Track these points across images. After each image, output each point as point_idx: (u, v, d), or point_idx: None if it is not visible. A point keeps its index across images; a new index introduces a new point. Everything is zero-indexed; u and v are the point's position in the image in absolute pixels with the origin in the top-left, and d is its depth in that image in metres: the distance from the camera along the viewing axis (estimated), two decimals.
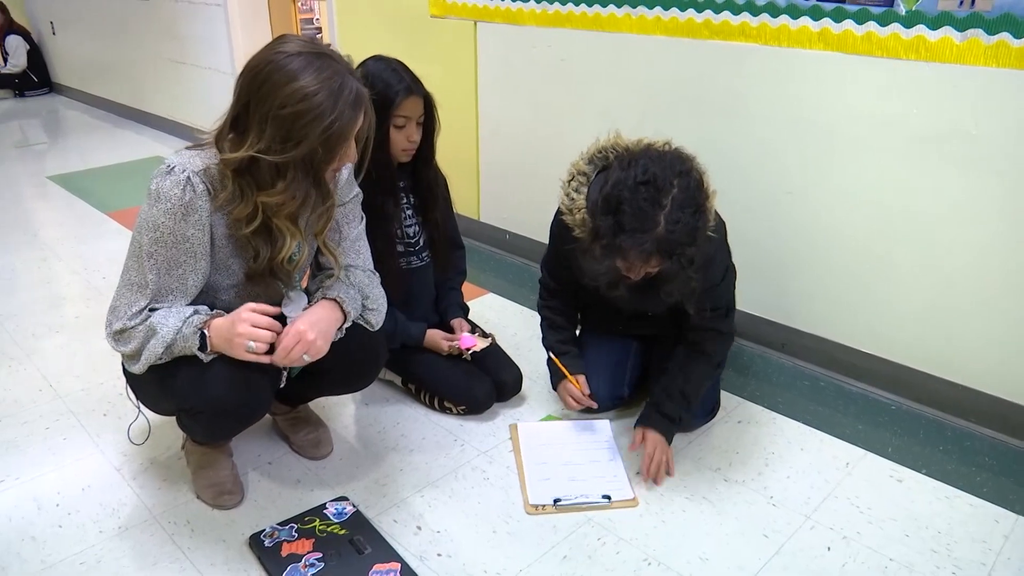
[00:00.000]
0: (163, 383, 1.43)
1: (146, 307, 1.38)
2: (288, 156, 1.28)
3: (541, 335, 1.99)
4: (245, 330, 1.34)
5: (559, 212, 1.73)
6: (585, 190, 1.61)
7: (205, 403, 1.43)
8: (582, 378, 1.89)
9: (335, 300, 1.49)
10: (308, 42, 1.32)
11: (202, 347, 1.36)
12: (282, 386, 1.53)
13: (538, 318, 2.00)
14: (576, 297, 1.95)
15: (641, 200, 1.44)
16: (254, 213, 1.37)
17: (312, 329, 1.40)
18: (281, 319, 1.46)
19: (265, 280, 1.48)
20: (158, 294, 1.38)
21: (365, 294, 1.57)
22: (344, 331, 1.51)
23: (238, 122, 1.31)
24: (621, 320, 1.94)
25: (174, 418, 1.61)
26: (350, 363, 1.60)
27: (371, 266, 1.64)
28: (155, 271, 1.36)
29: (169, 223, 1.34)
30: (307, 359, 1.39)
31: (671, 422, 1.76)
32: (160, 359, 1.37)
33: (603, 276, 1.56)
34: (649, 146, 1.58)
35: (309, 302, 1.51)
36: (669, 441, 1.76)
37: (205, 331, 1.36)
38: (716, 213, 1.65)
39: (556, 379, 1.94)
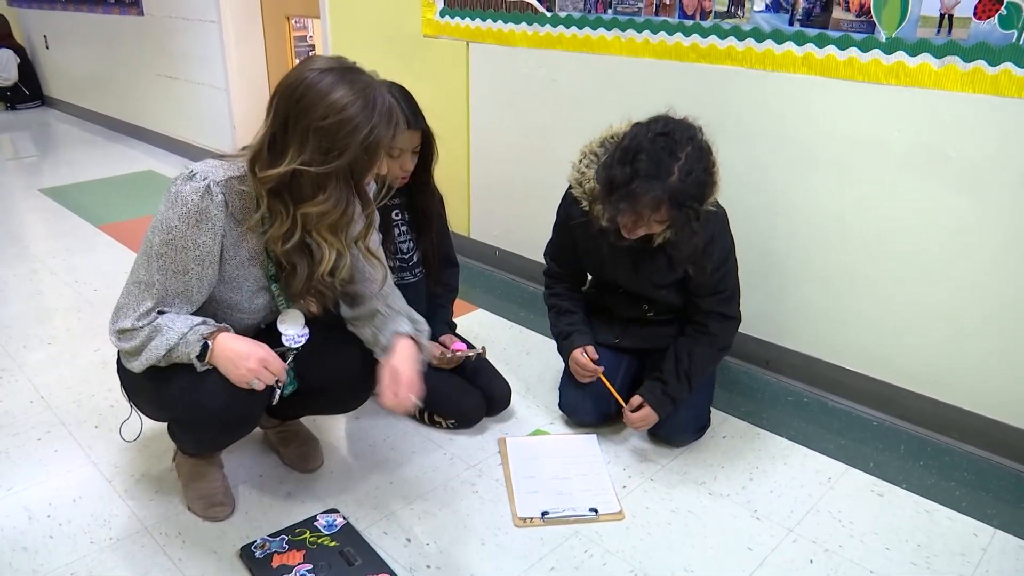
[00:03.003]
0: (158, 390, 1.45)
1: (153, 308, 1.40)
2: (331, 167, 1.31)
3: (549, 324, 2.04)
4: (256, 367, 1.39)
5: (568, 189, 1.86)
6: (595, 168, 1.72)
7: (197, 415, 1.44)
8: (591, 348, 1.93)
9: (411, 338, 1.57)
10: (336, 59, 1.36)
11: (201, 356, 1.38)
12: (274, 403, 1.56)
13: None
14: (581, 281, 2.03)
15: (659, 149, 1.57)
16: (293, 228, 1.39)
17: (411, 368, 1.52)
18: (276, 339, 1.49)
19: (305, 299, 1.53)
20: (164, 296, 1.40)
21: (406, 314, 1.63)
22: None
23: (275, 141, 1.34)
24: (616, 326, 1.98)
25: (166, 426, 1.63)
26: (340, 384, 1.64)
27: (391, 277, 1.68)
28: (162, 272, 1.39)
29: (181, 227, 1.36)
30: (415, 400, 1.48)
31: (672, 403, 1.85)
32: (159, 361, 1.39)
33: (609, 225, 1.67)
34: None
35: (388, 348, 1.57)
36: (661, 416, 1.86)
37: (210, 342, 1.39)
38: (716, 200, 1.74)
39: (566, 351, 1.96)
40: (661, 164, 1.56)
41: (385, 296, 1.61)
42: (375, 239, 1.61)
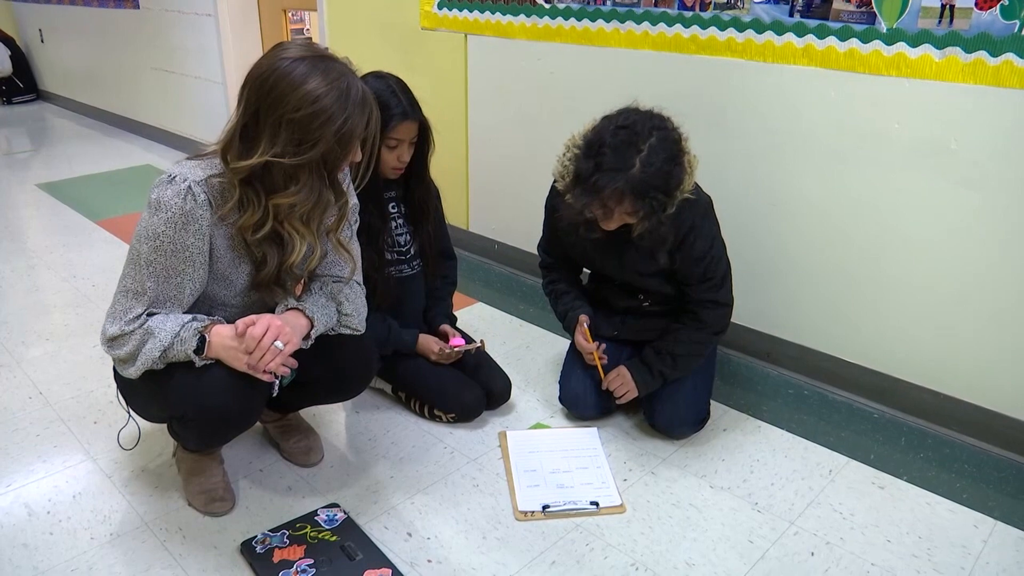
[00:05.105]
0: (156, 390, 1.44)
1: (143, 313, 1.39)
2: (304, 158, 1.30)
3: (552, 310, 2.06)
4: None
5: (553, 183, 1.87)
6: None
7: (198, 410, 1.43)
8: (584, 317, 1.96)
9: (298, 309, 1.49)
10: (307, 47, 1.34)
11: (199, 351, 1.37)
12: (274, 395, 1.55)
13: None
14: (575, 270, 2.05)
15: (619, 142, 1.57)
16: (264, 219, 1.38)
17: (280, 319, 1.41)
18: None
19: (271, 288, 1.49)
20: (155, 301, 1.39)
21: (339, 301, 1.57)
22: (312, 339, 1.51)
23: (247, 131, 1.33)
24: (616, 319, 1.98)
25: (165, 425, 1.62)
26: (340, 371, 1.62)
27: (356, 276, 1.64)
28: (153, 279, 1.38)
29: (169, 232, 1.35)
30: (280, 346, 1.38)
31: (649, 372, 1.87)
32: (156, 364, 1.38)
33: (580, 218, 1.67)
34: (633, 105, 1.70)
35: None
36: (640, 389, 1.89)
37: (206, 335, 1.38)
38: (700, 187, 1.75)
39: (571, 328, 1.98)
40: (622, 157, 1.56)
41: (326, 283, 1.57)
42: (347, 231, 1.59)
